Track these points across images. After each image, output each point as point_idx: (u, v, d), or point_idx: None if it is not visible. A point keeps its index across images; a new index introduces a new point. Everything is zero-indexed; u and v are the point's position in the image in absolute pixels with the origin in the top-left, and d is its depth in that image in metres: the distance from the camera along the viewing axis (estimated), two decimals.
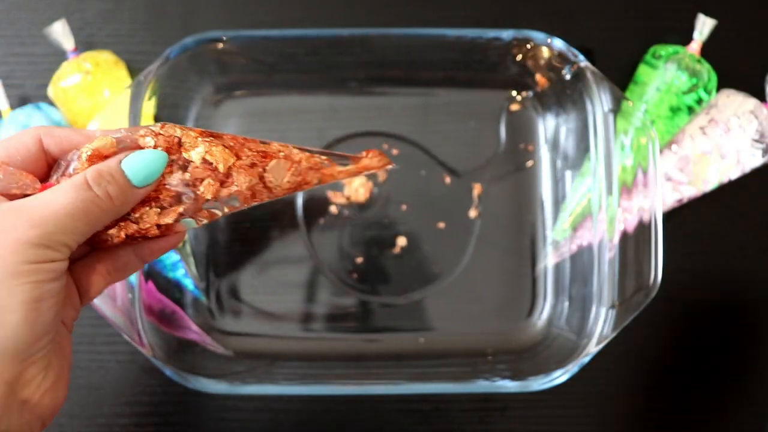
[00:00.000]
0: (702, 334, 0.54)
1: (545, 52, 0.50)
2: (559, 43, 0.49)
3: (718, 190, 0.53)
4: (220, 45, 0.50)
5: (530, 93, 0.55)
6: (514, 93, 0.55)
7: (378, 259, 0.54)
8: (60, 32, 0.51)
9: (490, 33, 0.50)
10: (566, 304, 0.52)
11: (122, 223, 0.31)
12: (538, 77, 0.53)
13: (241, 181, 0.32)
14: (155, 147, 0.30)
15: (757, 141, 0.51)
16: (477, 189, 0.54)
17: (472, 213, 0.54)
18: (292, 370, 0.51)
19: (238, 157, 0.32)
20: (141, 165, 0.30)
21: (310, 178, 0.34)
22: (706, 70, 0.52)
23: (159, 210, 0.31)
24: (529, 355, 0.51)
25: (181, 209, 0.31)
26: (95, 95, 0.51)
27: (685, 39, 0.53)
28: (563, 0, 0.56)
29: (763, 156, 0.52)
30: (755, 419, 0.54)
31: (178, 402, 0.53)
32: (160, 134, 0.31)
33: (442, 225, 0.54)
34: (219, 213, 0.32)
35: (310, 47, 0.52)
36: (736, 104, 0.51)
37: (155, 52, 0.51)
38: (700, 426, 0.54)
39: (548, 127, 0.55)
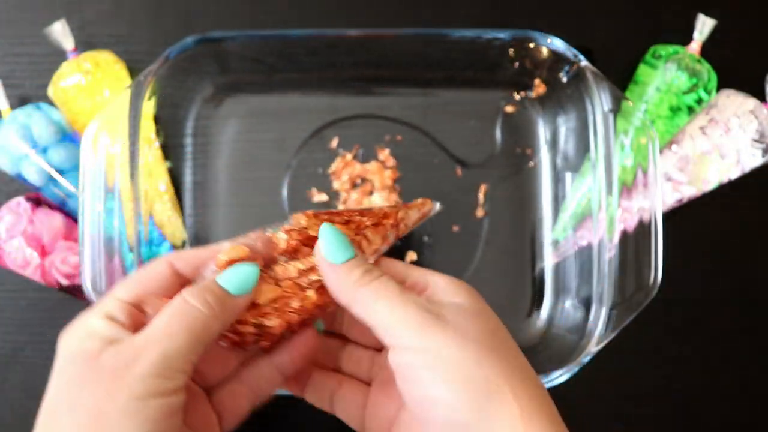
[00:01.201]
0: (702, 333, 0.54)
1: (545, 52, 0.50)
2: (559, 43, 0.49)
3: (718, 190, 0.53)
4: (220, 45, 0.50)
5: (530, 93, 0.55)
6: (514, 93, 0.55)
7: None
8: (60, 32, 0.51)
9: (490, 33, 0.50)
10: (566, 304, 0.52)
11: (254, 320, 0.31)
12: (538, 77, 0.53)
13: (377, 241, 0.33)
14: (288, 243, 0.32)
15: (757, 141, 0.51)
16: (483, 189, 0.54)
17: (479, 213, 0.54)
18: None
19: (359, 228, 0.33)
20: (233, 276, 0.30)
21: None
22: (706, 70, 0.52)
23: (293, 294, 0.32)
24: (529, 355, 0.51)
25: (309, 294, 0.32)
26: (95, 95, 0.51)
27: (685, 39, 0.53)
28: (563, 0, 0.56)
29: (763, 156, 0.52)
30: (756, 418, 0.54)
31: None
32: (293, 230, 0.32)
33: (456, 228, 0.54)
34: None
35: (310, 47, 0.52)
36: (736, 104, 0.51)
37: (155, 52, 0.51)
38: (701, 425, 0.54)
39: (548, 127, 0.55)
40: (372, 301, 0.29)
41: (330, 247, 0.30)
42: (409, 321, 0.28)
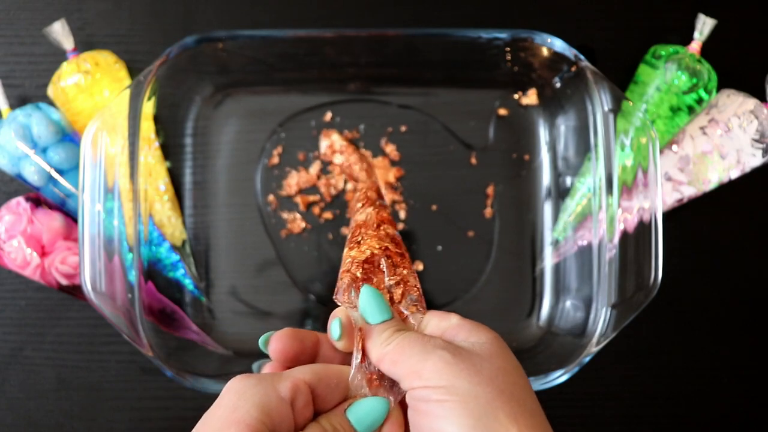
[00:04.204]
0: (702, 334, 0.54)
1: (545, 52, 0.50)
2: (559, 43, 0.49)
3: (718, 190, 0.53)
4: (220, 45, 0.50)
5: (533, 90, 0.55)
6: (514, 93, 0.55)
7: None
8: (60, 32, 0.51)
9: (490, 33, 0.50)
10: (566, 304, 0.52)
11: None
12: (539, 77, 0.53)
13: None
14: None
15: (757, 141, 0.51)
16: (491, 188, 0.54)
17: (488, 213, 0.54)
18: None
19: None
20: (365, 414, 0.30)
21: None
22: (706, 69, 0.52)
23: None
24: (529, 355, 0.51)
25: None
26: (95, 95, 0.51)
27: (686, 39, 0.53)
28: (563, 0, 0.56)
29: (763, 156, 0.52)
30: (757, 418, 0.54)
31: (177, 402, 0.53)
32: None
33: (471, 233, 0.54)
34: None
35: (309, 47, 0.52)
36: (736, 104, 0.51)
37: (155, 52, 0.51)
38: (701, 425, 0.54)
39: (548, 126, 0.55)
40: (396, 356, 0.30)
41: (368, 309, 0.31)
42: (427, 362, 0.28)
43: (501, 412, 0.27)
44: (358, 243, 0.36)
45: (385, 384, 0.31)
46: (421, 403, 0.28)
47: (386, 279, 0.34)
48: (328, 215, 0.54)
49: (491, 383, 0.27)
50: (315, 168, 0.54)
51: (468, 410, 0.27)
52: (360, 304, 0.32)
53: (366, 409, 0.30)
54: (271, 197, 0.54)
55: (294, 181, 0.54)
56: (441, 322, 0.32)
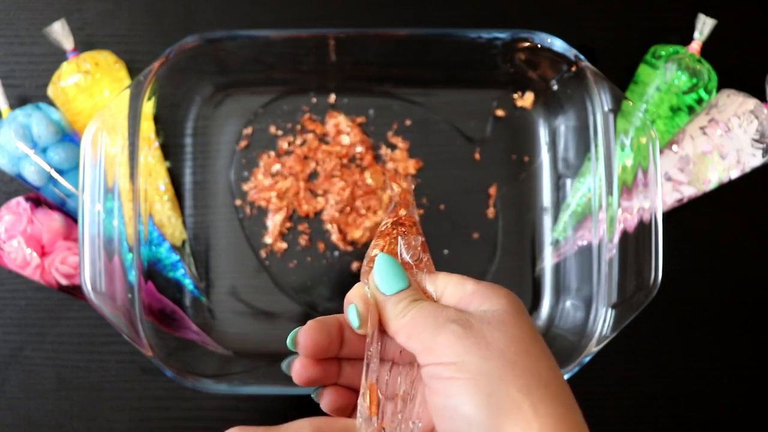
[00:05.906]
0: (702, 334, 0.54)
1: (545, 52, 0.50)
2: (559, 43, 0.49)
3: (718, 190, 0.53)
4: (220, 45, 0.50)
5: (530, 93, 0.55)
6: (514, 92, 0.55)
7: None
8: (60, 32, 0.51)
9: (491, 33, 0.50)
10: (566, 304, 0.52)
11: None
12: (538, 77, 0.53)
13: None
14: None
15: (757, 141, 0.51)
16: (493, 188, 0.54)
17: (490, 213, 0.54)
18: None
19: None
20: None
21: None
22: (706, 69, 0.52)
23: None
24: None
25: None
26: (95, 95, 0.51)
27: (686, 39, 0.53)
28: (563, 0, 0.56)
29: (763, 156, 0.52)
30: (757, 418, 0.54)
31: (177, 402, 0.53)
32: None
33: (476, 235, 0.54)
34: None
35: (309, 47, 0.52)
36: (736, 104, 0.51)
37: (155, 52, 0.51)
38: (701, 425, 0.54)
39: (548, 126, 0.55)
40: (411, 329, 0.29)
41: (383, 278, 0.30)
42: (439, 337, 0.27)
43: (512, 386, 0.26)
44: (382, 233, 0.35)
45: None
46: (434, 381, 0.27)
47: (402, 251, 0.32)
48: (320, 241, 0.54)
49: (502, 356, 0.26)
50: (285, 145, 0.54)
51: (478, 388, 0.26)
52: (374, 274, 0.30)
53: None
54: (239, 201, 0.54)
55: (263, 163, 0.54)
56: (457, 289, 0.30)
